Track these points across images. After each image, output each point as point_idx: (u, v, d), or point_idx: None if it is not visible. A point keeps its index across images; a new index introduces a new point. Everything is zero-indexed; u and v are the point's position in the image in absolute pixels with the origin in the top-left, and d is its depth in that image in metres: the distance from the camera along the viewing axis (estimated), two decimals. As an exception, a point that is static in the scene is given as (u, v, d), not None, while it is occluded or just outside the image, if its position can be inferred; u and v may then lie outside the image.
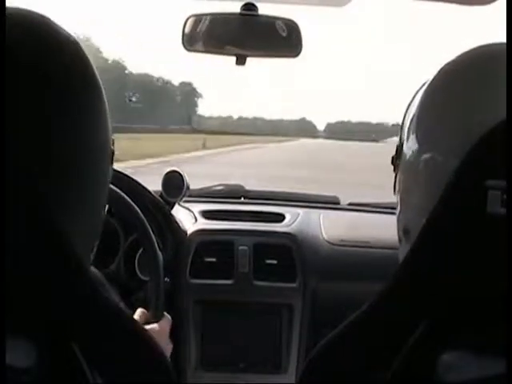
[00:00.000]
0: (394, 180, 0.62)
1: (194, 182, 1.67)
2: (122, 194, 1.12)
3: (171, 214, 1.54)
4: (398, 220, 0.61)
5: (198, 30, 1.20)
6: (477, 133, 0.46)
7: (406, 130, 0.59)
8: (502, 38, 0.53)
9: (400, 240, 0.60)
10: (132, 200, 1.13)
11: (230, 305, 1.57)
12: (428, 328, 0.47)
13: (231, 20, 1.20)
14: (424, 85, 0.58)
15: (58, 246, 0.43)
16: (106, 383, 0.46)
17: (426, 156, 0.54)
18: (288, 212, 1.73)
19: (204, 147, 18.64)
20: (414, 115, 0.57)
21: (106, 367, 0.46)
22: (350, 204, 1.94)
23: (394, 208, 0.62)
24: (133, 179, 1.45)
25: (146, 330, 0.51)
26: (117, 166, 0.66)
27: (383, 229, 1.50)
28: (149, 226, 1.14)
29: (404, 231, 0.59)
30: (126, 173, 1.44)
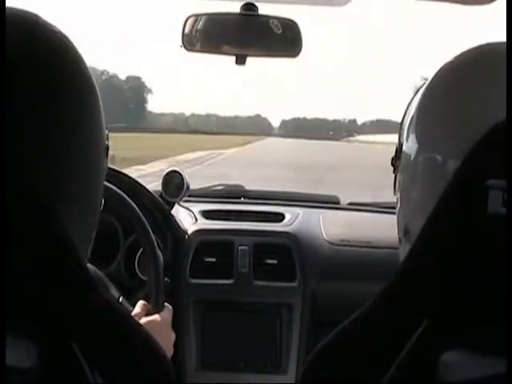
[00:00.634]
0: (394, 180, 0.62)
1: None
2: (122, 194, 1.12)
3: (171, 214, 1.55)
4: (398, 220, 0.61)
5: (198, 29, 1.20)
6: (477, 133, 0.46)
7: (405, 130, 0.59)
8: (502, 37, 0.53)
9: (400, 240, 0.60)
10: (132, 200, 1.13)
11: (229, 305, 1.57)
12: (429, 328, 0.47)
13: (231, 20, 1.20)
14: (423, 85, 0.58)
15: (58, 245, 0.43)
16: (106, 383, 0.46)
17: (425, 156, 0.54)
18: (288, 212, 1.73)
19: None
20: (413, 115, 0.57)
21: (106, 367, 0.46)
22: (349, 204, 1.94)
23: (394, 208, 0.62)
24: (133, 179, 1.45)
25: (146, 330, 0.51)
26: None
27: (383, 228, 1.50)
28: (149, 226, 1.14)
29: (404, 231, 0.59)
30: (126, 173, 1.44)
